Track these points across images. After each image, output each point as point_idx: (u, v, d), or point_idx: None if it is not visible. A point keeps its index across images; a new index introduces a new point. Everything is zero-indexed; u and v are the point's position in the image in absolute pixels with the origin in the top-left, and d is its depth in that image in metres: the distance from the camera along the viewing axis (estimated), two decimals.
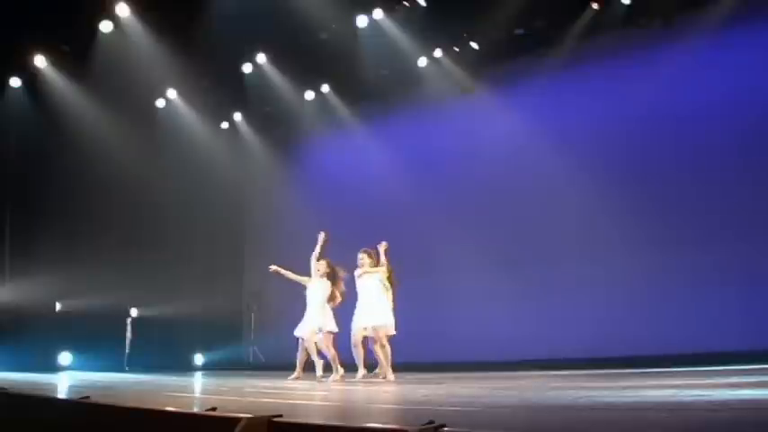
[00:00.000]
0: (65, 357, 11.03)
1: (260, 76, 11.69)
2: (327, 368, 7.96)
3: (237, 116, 13.44)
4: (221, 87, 12.15)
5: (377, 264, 7.77)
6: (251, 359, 12.99)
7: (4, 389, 4.98)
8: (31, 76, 10.72)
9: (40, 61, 10.62)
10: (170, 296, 12.01)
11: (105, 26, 10.05)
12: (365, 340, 7.72)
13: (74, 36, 10.43)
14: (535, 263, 10.04)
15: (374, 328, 7.47)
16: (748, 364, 7.01)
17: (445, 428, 2.56)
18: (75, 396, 4.46)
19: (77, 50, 10.57)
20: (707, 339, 8.14)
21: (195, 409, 3.40)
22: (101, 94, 10.78)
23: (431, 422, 2.61)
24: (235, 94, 12.41)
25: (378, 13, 10.26)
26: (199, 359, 12.98)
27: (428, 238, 10.70)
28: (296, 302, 11.33)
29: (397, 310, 7.65)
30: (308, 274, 8.13)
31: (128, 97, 10.98)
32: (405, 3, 10.10)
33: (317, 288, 7.99)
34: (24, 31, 9.74)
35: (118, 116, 11.13)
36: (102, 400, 4.03)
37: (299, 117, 12.82)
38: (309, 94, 12.47)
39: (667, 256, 9.00)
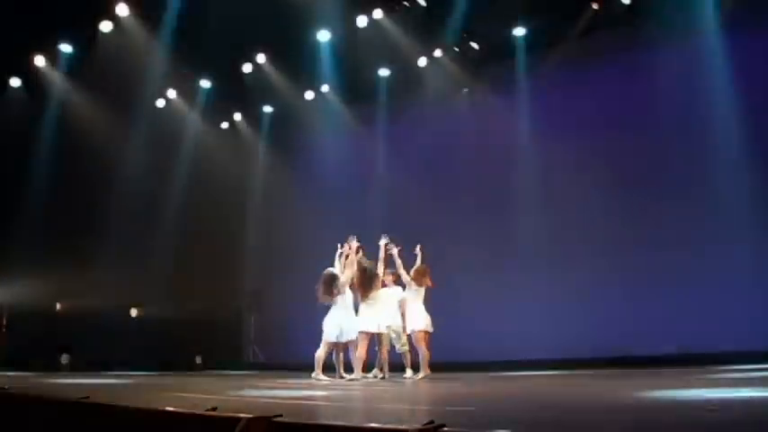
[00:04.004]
0: (65, 357, 11.03)
1: (260, 76, 11.70)
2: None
3: (237, 116, 13.45)
4: (221, 87, 12.16)
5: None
6: (251, 359, 13.00)
7: (4, 388, 4.98)
8: (31, 76, 10.73)
9: (40, 61, 10.62)
10: (170, 296, 12.00)
11: (105, 26, 10.05)
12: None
13: (74, 36, 10.44)
14: (536, 263, 10.02)
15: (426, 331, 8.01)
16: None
17: (445, 428, 2.57)
18: (75, 396, 4.46)
19: (77, 50, 10.59)
20: (709, 340, 8.14)
21: (195, 410, 3.39)
22: (101, 94, 10.78)
23: (431, 422, 2.61)
24: (235, 94, 12.42)
25: (378, 13, 10.26)
26: (199, 359, 12.97)
27: (428, 238, 10.66)
28: (295, 302, 11.39)
29: None
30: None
31: (128, 97, 10.99)
32: (405, 3, 10.10)
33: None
34: (24, 31, 9.75)
35: (118, 116, 11.13)
36: (102, 400, 4.03)
37: (299, 117, 12.81)
38: (309, 94, 12.46)
39: (667, 256, 8.99)
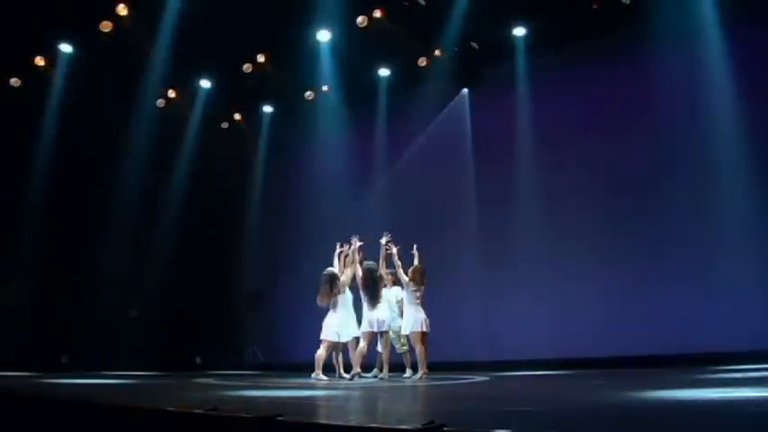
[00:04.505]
0: (65, 357, 11.02)
1: (260, 77, 11.69)
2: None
3: (237, 116, 13.45)
4: (221, 87, 12.15)
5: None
6: (251, 359, 13.00)
7: (5, 389, 4.98)
8: (31, 76, 10.72)
9: (40, 61, 10.62)
10: (170, 296, 11.99)
11: (105, 26, 10.05)
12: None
13: (74, 36, 10.45)
14: (536, 263, 10.01)
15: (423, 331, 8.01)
16: None
17: (445, 428, 2.57)
18: (76, 396, 4.46)
19: (77, 50, 10.59)
20: (710, 340, 8.13)
21: (195, 409, 3.40)
22: (101, 94, 10.78)
23: (431, 422, 2.62)
24: (235, 94, 12.41)
25: (377, 13, 10.25)
26: (199, 359, 12.96)
27: (428, 238, 10.67)
28: (295, 302, 11.37)
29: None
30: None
31: (128, 97, 11.00)
32: (405, 2, 10.09)
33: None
34: (25, 31, 9.75)
35: (117, 116, 11.14)
36: (103, 401, 4.03)
37: (299, 117, 12.81)
38: (310, 94, 12.45)
39: (668, 256, 9.00)
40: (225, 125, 13.52)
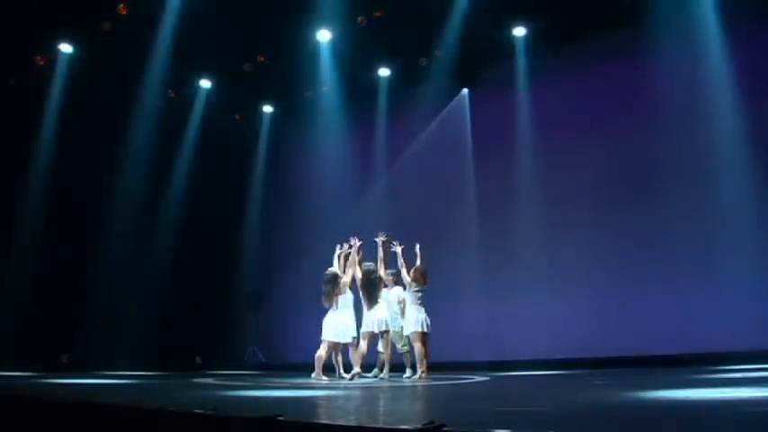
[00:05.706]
0: (65, 357, 11.02)
1: (260, 76, 11.69)
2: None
3: (237, 116, 13.45)
4: (221, 87, 12.15)
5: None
6: (251, 359, 13.00)
7: (5, 389, 4.98)
8: (31, 76, 10.72)
9: (40, 60, 10.61)
10: (170, 296, 11.98)
11: (105, 26, 10.05)
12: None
13: (74, 36, 10.44)
14: (536, 262, 10.02)
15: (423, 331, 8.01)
16: None
17: (445, 428, 2.57)
18: (76, 396, 4.46)
19: (77, 50, 10.59)
20: (710, 340, 8.13)
21: (195, 409, 3.40)
22: (101, 94, 10.77)
23: (431, 422, 2.62)
24: (236, 94, 12.41)
25: (377, 13, 10.25)
26: (199, 359, 12.95)
27: (428, 238, 10.67)
28: (295, 302, 11.38)
29: None
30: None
31: (128, 97, 11.00)
32: (405, 2, 10.08)
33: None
34: (25, 31, 9.75)
35: (118, 116, 11.14)
36: (102, 401, 4.03)
37: (301, 117, 12.81)
38: (311, 94, 12.45)
39: (668, 255, 9.01)
40: (225, 125, 13.51)
